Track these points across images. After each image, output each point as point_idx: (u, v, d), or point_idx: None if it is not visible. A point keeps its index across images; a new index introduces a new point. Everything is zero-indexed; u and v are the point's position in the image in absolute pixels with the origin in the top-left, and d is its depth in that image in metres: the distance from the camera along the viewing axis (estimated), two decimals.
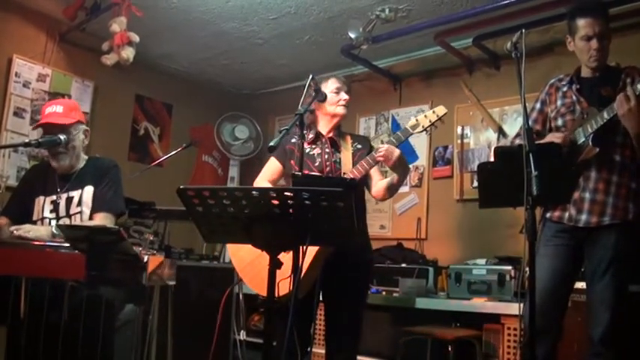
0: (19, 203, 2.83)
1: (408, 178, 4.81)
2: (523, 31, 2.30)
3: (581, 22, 2.54)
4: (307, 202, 1.67)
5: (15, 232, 2.44)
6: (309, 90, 2.64)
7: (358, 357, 2.62)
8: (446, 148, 4.69)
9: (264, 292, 2.55)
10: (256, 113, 5.91)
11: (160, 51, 5.10)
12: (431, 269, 3.96)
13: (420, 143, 4.81)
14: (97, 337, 2.25)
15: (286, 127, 2.34)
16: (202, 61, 5.34)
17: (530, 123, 2.75)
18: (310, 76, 2.59)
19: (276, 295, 2.42)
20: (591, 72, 2.64)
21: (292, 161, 2.74)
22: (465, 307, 3.48)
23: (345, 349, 2.58)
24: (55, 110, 2.77)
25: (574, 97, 2.65)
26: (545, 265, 2.56)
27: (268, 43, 4.83)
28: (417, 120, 2.64)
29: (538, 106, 2.82)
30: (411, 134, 2.63)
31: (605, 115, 2.44)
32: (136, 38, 4.16)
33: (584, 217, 2.54)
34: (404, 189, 4.82)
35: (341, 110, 2.75)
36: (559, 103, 2.71)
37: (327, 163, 2.69)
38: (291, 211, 1.70)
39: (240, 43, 4.87)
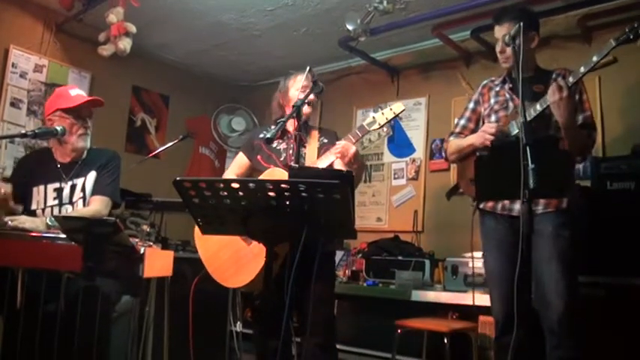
0: (15, 194, 2.82)
1: (405, 170, 4.83)
2: (521, 24, 2.31)
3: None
4: (304, 194, 1.67)
5: (10, 223, 2.43)
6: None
7: (355, 349, 2.61)
8: (443, 140, 4.68)
9: (225, 284, 2.59)
10: (253, 105, 5.89)
11: (157, 42, 5.08)
12: (427, 262, 3.98)
13: (417, 136, 4.79)
14: (94, 328, 2.26)
15: (282, 119, 2.34)
16: (199, 52, 5.32)
17: (463, 122, 2.92)
18: (307, 68, 2.59)
19: (236, 285, 2.42)
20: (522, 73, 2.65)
21: (259, 156, 2.73)
22: (460, 300, 3.49)
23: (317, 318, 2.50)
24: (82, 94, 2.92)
25: (507, 95, 2.74)
26: (494, 255, 2.62)
27: (265, 34, 4.82)
28: (374, 117, 2.65)
29: (471, 105, 2.94)
30: (368, 131, 2.64)
31: (538, 107, 2.50)
32: (132, 29, 4.15)
33: (516, 206, 2.54)
34: (401, 181, 4.85)
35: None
36: (492, 101, 2.80)
37: (292, 158, 2.68)
38: (287, 203, 1.70)
39: (237, 35, 4.86)
